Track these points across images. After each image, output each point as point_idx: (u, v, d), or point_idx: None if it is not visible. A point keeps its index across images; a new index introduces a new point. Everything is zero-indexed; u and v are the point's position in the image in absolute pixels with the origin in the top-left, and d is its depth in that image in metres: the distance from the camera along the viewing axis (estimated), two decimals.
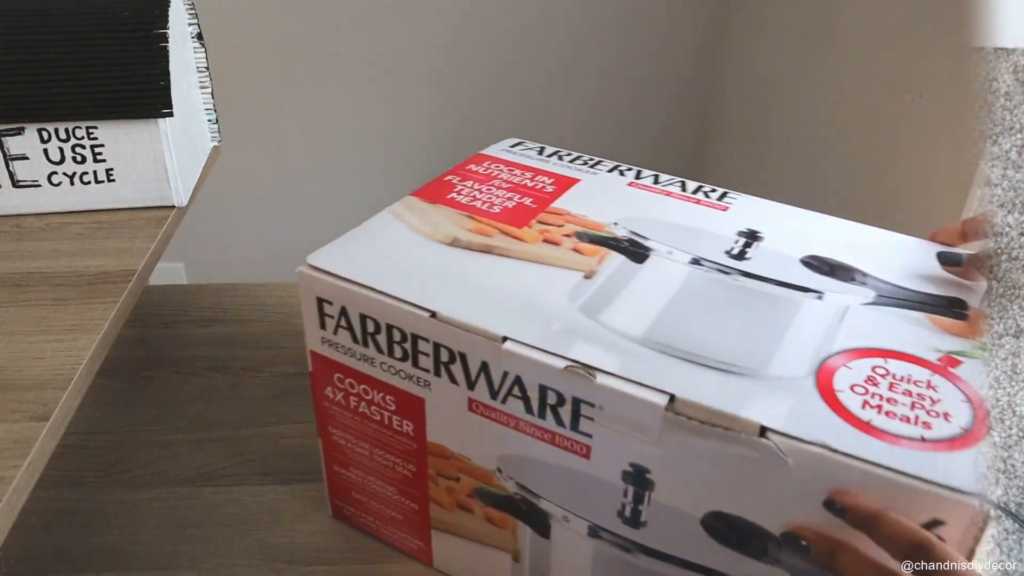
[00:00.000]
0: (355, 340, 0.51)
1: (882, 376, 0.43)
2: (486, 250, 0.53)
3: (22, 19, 0.63)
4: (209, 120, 0.78)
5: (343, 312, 0.51)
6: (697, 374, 0.43)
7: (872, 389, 0.42)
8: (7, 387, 0.47)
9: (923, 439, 0.39)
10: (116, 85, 0.63)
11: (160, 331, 0.86)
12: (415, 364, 0.49)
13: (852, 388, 0.42)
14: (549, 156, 0.68)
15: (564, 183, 0.63)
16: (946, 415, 0.41)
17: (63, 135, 0.64)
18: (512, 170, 0.64)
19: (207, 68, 0.75)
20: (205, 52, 0.74)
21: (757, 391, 0.42)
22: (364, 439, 0.56)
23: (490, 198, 0.60)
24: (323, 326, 0.52)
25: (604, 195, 0.61)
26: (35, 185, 0.65)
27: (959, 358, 0.45)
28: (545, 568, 0.52)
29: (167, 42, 0.63)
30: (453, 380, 0.48)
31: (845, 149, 1.09)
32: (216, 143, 0.81)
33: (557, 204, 0.59)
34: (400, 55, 1.64)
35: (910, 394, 0.42)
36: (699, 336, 0.46)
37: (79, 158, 0.65)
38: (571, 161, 0.67)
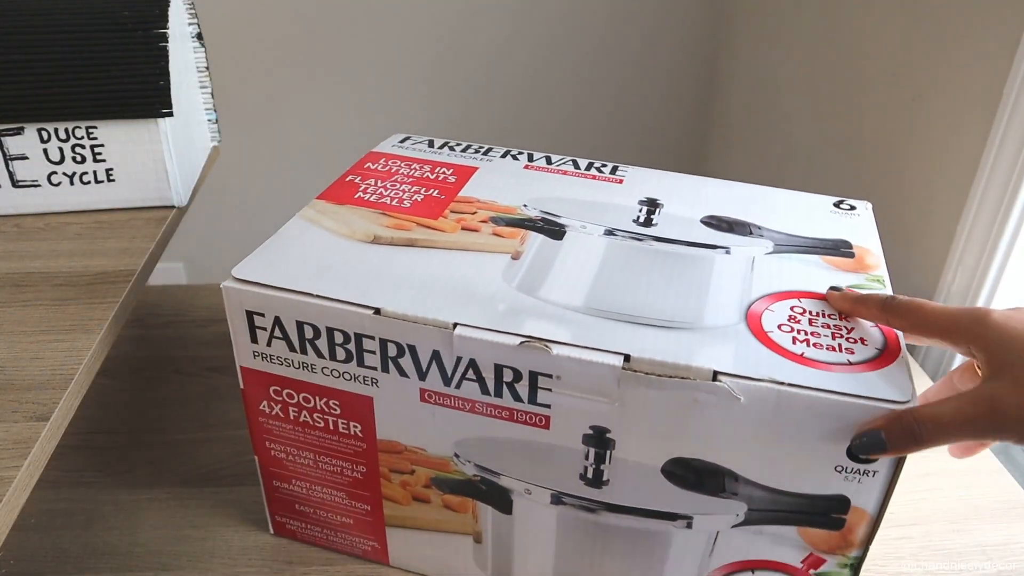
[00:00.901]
0: (292, 349, 0.50)
1: (801, 314, 0.48)
2: (410, 244, 0.54)
3: (21, 19, 0.62)
4: (209, 120, 0.78)
5: (277, 322, 0.50)
6: (642, 333, 0.46)
7: (796, 326, 0.47)
8: (7, 387, 0.48)
9: (850, 363, 0.44)
10: (116, 85, 0.62)
11: (160, 331, 0.86)
12: (360, 363, 0.49)
13: (779, 327, 0.47)
14: (440, 148, 0.69)
15: (464, 172, 0.64)
16: (862, 340, 0.46)
17: (63, 135, 0.63)
18: (410, 165, 0.65)
19: (207, 68, 0.74)
20: (205, 52, 0.74)
21: (700, 341, 0.45)
22: (307, 448, 0.55)
23: (397, 194, 0.60)
24: (255, 340, 0.51)
25: (505, 180, 0.63)
26: (35, 185, 0.65)
27: (859, 290, 0.51)
28: (508, 543, 0.54)
29: (167, 42, 0.63)
30: (403, 374, 0.49)
31: (845, 149, 1.13)
32: (216, 143, 0.80)
33: (464, 193, 0.60)
34: (401, 55, 1.61)
35: (828, 326, 0.47)
36: (634, 299, 0.49)
37: (79, 158, 0.64)
38: (463, 151, 0.68)
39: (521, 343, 0.45)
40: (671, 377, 0.43)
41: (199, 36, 0.72)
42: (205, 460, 0.69)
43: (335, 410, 0.52)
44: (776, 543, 0.48)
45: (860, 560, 0.47)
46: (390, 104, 1.66)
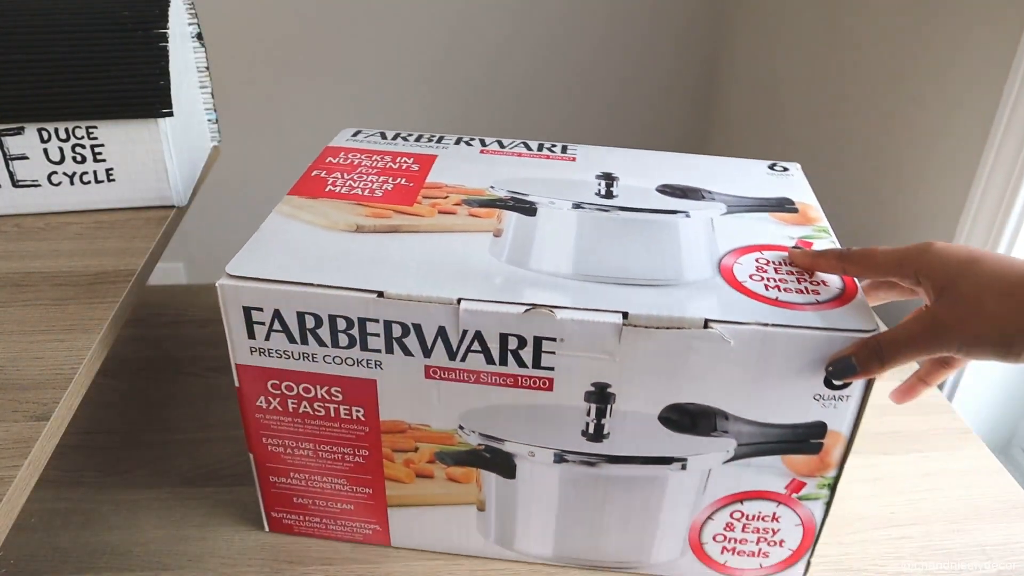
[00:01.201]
0: (292, 340, 0.51)
1: (766, 264, 0.53)
2: (393, 230, 0.56)
3: (21, 19, 0.61)
4: (209, 120, 0.77)
5: (277, 315, 0.51)
6: (633, 292, 0.50)
7: (764, 275, 0.52)
8: (7, 387, 0.48)
9: (818, 302, 0.49)
10: (116, 85, 0.62)
11: (160, 331, 0.86)
12: (364, 347, 0.51)
13: (751, 277, 0.51)
14: (394, 139, 0.70)
15: (425, 160, 0.66)
16: (823, 283, 0.51)
17: (63, 135, 0.63)
18: (371, 156, 0.66)
19: (207, 68, 0.73)
20: (205, 52, 0.73)
21: (686, 295, 0.49)
22: (307, 439, 0.56)
23: (367, 184, 0.61)
24: (252, 335, 0.52)
25: (467, 165, 0.66)
26: (35, 185, 0.64)
27: (809, 240, 0.56)
28: (512, 507, 0.57)
29: (167, 42, 0.63)
30: (407, 353, 0.51)
31: (846, 148, 1.15)
32: (216, 143, 0.79)
33: (431, 179, 0.63)
34: (401, 54, 1.59)
35: (792, 273, 0.52)
36: (616, 263, 0.53)
37: (79, 158, 0.64)
38: (416, 140, 0.70)
39: (526, 311, 0.48)
40: (667, 329, 0.47)
41: (199, 36, 0.72)
42: (205, 460, 0.68)
43: (337, 397, 0.54)
44: (762, 473, 0.53)
45: (836, 480, 0.53)
46: (390, 104, 1.66)
